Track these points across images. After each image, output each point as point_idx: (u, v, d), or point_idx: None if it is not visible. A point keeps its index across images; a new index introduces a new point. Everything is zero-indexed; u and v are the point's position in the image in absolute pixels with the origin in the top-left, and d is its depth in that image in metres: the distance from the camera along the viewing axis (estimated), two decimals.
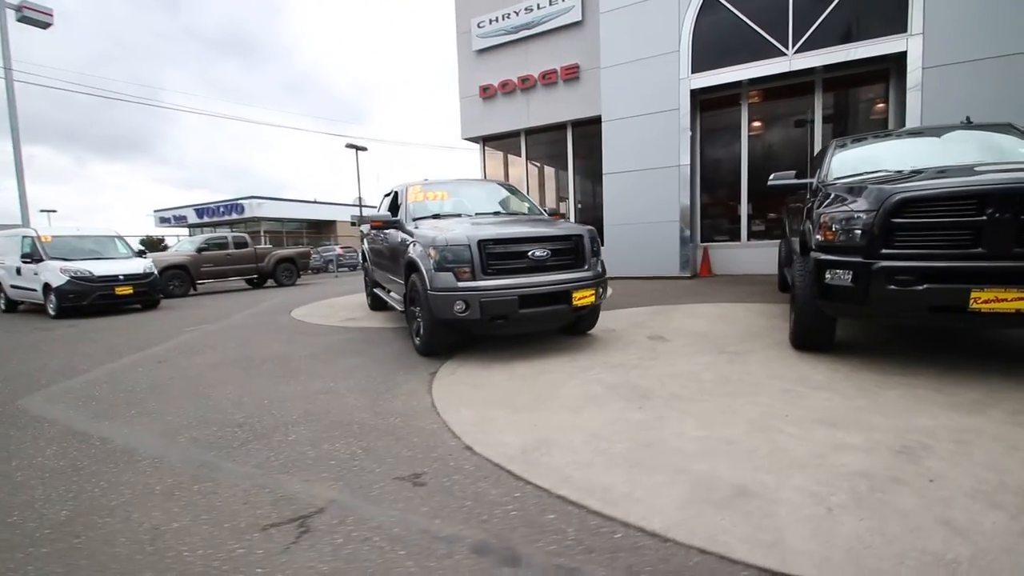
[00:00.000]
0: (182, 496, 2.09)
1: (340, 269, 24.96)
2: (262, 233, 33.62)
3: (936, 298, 3.03)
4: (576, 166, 11.31)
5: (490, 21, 11.45)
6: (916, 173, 3.74)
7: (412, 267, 4.59)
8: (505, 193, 5.95)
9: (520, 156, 12.16)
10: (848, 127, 9.05)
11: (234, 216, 34.94)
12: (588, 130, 11.22)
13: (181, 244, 13.23)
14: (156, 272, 9.45)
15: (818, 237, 3.67)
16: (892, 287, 3.15)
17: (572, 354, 4.28)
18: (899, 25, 7.53)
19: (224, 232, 14.82)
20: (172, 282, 11.06)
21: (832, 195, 3.88)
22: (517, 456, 2.32)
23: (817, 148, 8.98)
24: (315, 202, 39.65)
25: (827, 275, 3.49)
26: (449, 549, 1.63)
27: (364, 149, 28.38)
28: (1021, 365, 3.33)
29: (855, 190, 3.64)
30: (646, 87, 9.39)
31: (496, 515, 1.83)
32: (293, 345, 5.26)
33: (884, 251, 3.19)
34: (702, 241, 9.97)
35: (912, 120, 7.50)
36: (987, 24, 6.93)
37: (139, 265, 9.13)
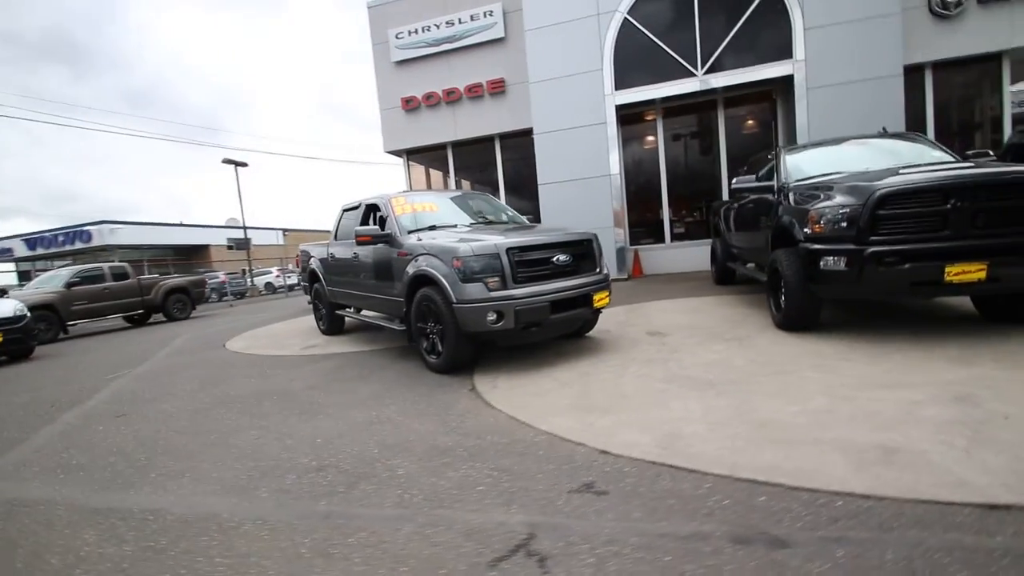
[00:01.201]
0: (352, 553, 1.79)
1: (225, 298, 22.45)
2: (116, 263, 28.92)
3: (917, 274, 3.64)
4: (507, 177, 11.50)
5: (409, 33, 11.26)
6: (868, 173, 4.47)
7: (421, 281, 4.37)
8: (485, 203, 5.90)
9: (445, 169, 12.06)
10: (741, 140, 10.38)
11: (79, 245, 29.70)
12: (517, 142, 11.51)
13: (42, 280, 10.93)
14: (28, 314, 7.72)
15: (807, 230, 4.19)
16: (881, 268, 3.71)
17: (591, 356, 4.37)
18: (787, 53, 8.88)
19: (95, 263, 12.55)
20: (38, 325, 9.09)
21: (808, 194, 4.46)
22: (663, 451, 2.35)
23: (723, 158, 10.18)
24: (182, 225, 35.18)
25: (822, 262, 4.01)
26: (710, 546, 1.63)
27: (244, 165, 25.91)
28: (954, 326, 4.11)
29: (833, 188, 4.23)
30: (575, 102, 9.91)
31: (712, 507, 1.85)
32: (272, 380, 4.67)
33: (872, 238, 3.76)
34: (631, 244, 10.71)
35: (802, 132, 8.86)
36: (854, 53, 8.47)
37: (7, 307, 7.39)
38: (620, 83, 9.74)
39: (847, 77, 8.57)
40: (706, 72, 9.32)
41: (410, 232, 4.84)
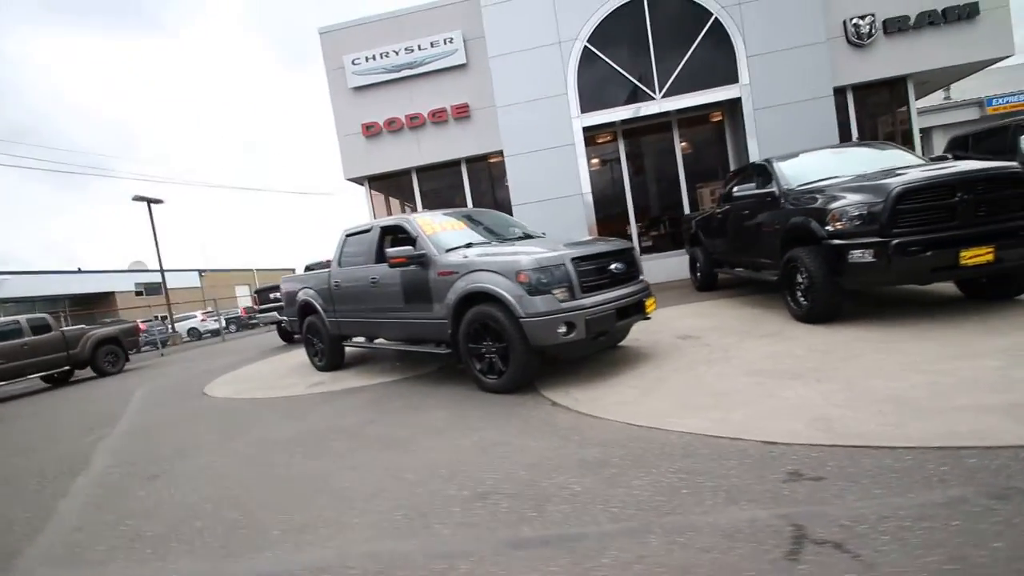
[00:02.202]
0: (621, 573, 1.64)
1: (144, 348, 20.18)
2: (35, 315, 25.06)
3: (938, 260, 4.08)
4: (475, 201, 11.48)
5: (367, 59, 11.06)
6: (867, 175, 4.98)
7: (473, 299, 4.23)
8: (498, 218, 5.85)
9: (410, 194, 11.82)
10: (696, 157, 11.16)
11: None
12: (484, 165, 11.58)
13: None
14: None
15: (829, 228, 4.57)
16: (905, 257, 4.12)
17: (645, 362, 4.41)
18: (733, 77, 9.76)
19: (6, 316, 10.80)
20: None
21: (818, 196, 4.87)
22: (828, 434, 2.41)
23: (681, 174, 10.87)
24: (80, 272, 31.36)
25: (850, 256, 4.37)
26: (978, 506, 1.69)
27: (159, 201, 23.79)
28: (947, 306, 4.63)
29: (843, 189, 4.66)
30: (543, 124, 10.19)
31: (940, 474, 1.92)
32: (309, 421, 4.24)
33: (895, 231, 4.18)
34: None
35: (752, 149, 9.71)
36: (791, 77, 9.47)
37: None
38: (585, 106, 10.18)
39: (787, 99, 9.56)
40: (664, 96, 9.99)
41: (448, 251, 4.67)
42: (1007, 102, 16.57)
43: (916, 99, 10.33)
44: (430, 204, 11.77)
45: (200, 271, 39.76)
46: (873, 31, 9.68)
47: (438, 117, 10.94)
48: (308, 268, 12.51)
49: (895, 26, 9.62)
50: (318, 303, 6.34)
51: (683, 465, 2.33)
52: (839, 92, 9.93)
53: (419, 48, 10.88)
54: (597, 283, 4.13)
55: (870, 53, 9.80)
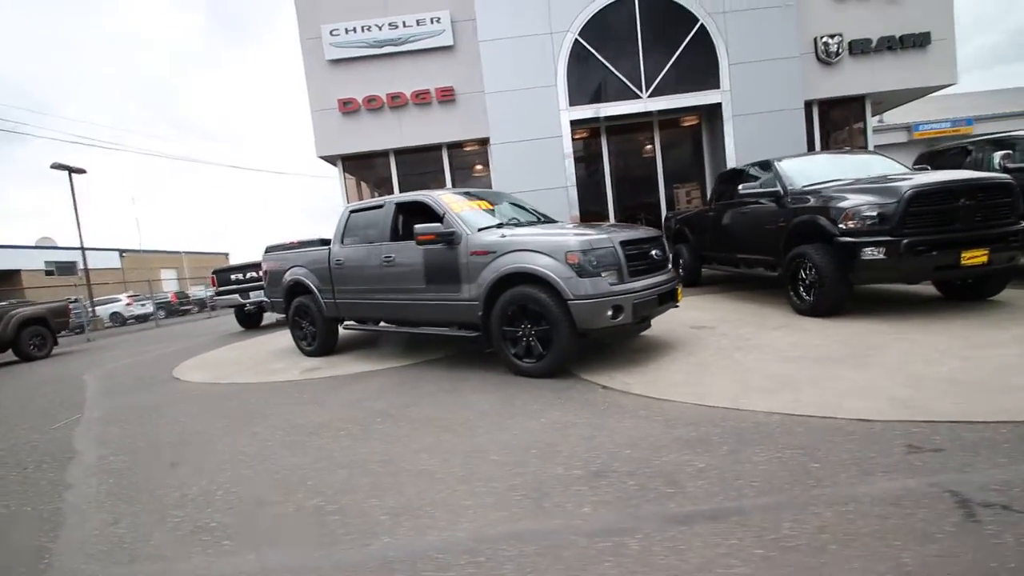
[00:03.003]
0: (822, 542, 1.61)
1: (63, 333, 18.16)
2: None
3: (942, 260, 4.42)
4: (456, 187, 11.20)
5: (346, 31, 10.47)
6: (864, 179, 5.31)
7: (512, 280, 4.08)
8: (516, 202, 5.74)
9: (385, 178, 11.36)
10: (674, 157, 11.50)
11: None
12: (467, 152, 11.33)
13: None
14: None
15: (842, 226, 4.83)
16: (914, 256, 4.44)
17: (675, 349, 4.46)
18: (715, 83, 10.13)
19: None
20: None
21: (828, 197, 5.13)
22: (914, 411, 2.52)
23: (660, 173, 11.18)
24: None
25: (863, 253, 4.64)
26: None
27: (81, 171, 21.47)
28: (934, 304, 5.03)
29: (854, 191, 4.94)
30: (531, 114, 10.11)
31: None
32: (330, 408, 3.94)
33: (905, 231, 4.48)
34: None
35: (730, 153, 10.15)
36: (768, 87, 9.97)
37: None
38: (573, 99, 10.20)
39: (763, 107, 10.06)
40: (650, 95, 10.21)
41: (480, 229, 4.50)
42: (932, 128, 18.45)
43: (872, 115, 11.18)
44: (409, 189, 11.35)
45: (121, 251, 36.30)
46: (840, 50, 10.38)
47: (422, 99, 10.57)
48: (269, 250, 11.75)
49: (859, 48, 10.38)
50: (312, 283, 5.92)
51: (791, 442, 2.35)
52: (806, 105, 10.57)
53: (404, 25, 10.45)
54: (640, 268, 4.12)
55: (836, 71, 10.51)
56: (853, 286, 5.00)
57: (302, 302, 6.12)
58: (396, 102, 10.60)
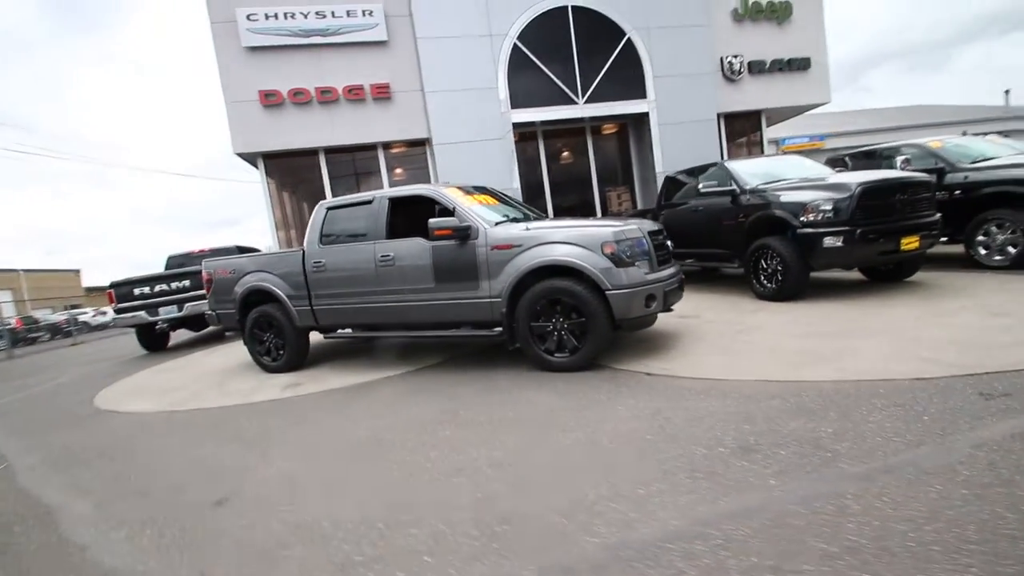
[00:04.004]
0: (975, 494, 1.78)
1: None
2: None
3: (886, 246, 5.17)
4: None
5: (266, 16, 9.52)
6: (809, 178, 6.04)
7: (541, 273, 4.01)
8: (508, 197, 5.63)
9: (313, 178, 10.51)
10: (604, 161, 12.10)
11: None
12: (404, 152, 10.88)
13: None
14: None
15: (803, 219, 5.44)
16: (865, 243, 5.14)
17: (679, 337, 4.69)
18: (642, 94, 10.87)
19: None
20: None
21: (786, 193, 5.75)
22: (955, 367, 2.91)
23: (594, 176, 11.69)
24: None
25: (824, 242, 5.26)
26: None
27: None
28: (867, 285, 5.89)
29: (807, 188, 5.60)
30: (475, 115, 10.03)
31: None
32: (363, 418, 3.55)
33: (857, 222, 5.17)
34: None
35: (657, 158, 10.93)
36: (687, 100, 10.92)
37: None
38: (514, 103, 10.30)
39: (684, 118, 11.00)
40: (586, 102, 10.65)
41: (496, 224, 4.35)
42: (796, 142, 21.55)
43: (767, 127, 12.74)
44: (342, 191, 10.62)
45: None
46: (742, 69, 11.71)
47: (355, 95, 9.96)
48: (172, 258, 10.31)
49: (756, 68, 11.79)
50: (280, 290, 5.27)
51: (883, 403, 2.59)
52: (716, 117, 11.75)
53: (333, 15, 9.78)
54: (663, 258, 4.28)
55: (738, 88, 11.83)
56: (812, 272, 5.65)
57: (265, 312, 5.42)
58: (327, 97, 9.86)
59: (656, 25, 10.76)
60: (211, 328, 10.34)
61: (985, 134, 9.78)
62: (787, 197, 5.71)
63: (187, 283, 8.43)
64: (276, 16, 9.56)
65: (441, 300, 4.47)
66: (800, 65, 11.97)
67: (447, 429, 3.07)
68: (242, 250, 10.53)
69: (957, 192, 6.15)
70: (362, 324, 5.02)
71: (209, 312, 5.95)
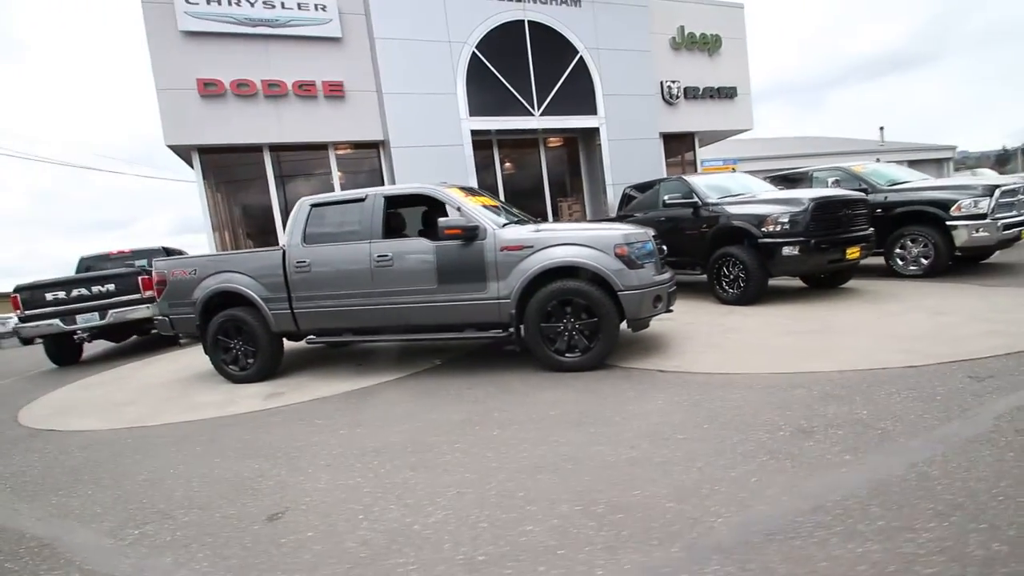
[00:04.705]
0: None
1: None
2: None
3: (834, 255, 5.83)
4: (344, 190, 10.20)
5: (207, 1, 8.79)
6: (762, 195, 6.65)
7: (554, 274, 4.06)
8: (497, 199, 5.63)
9: (257, 176, 9.80)
10: (555, 172, 12.43)
11: None
12: (357, 153, 10.46)
13: None
14: None
15: (764, 230, 5.97)
16: (818, 253, 5.76)
17: (667, 338, 4.96)
18: (593, 110, 11.35)
19: None
20: None
21: (745, 207, 6.29)
22: (934, 356, 3.34)
23: (546, 185, 11.97)
24: None
25: (783, 251, 5.82)
26: None
27: None
28: (808, 291, 6.59)
29: (766, 203, 6.17)
30: (433, 120, 9.90)
31: None
32: (374, 428, 3.37)
33: (812, 233, 5.77)
34: None
35: (607, 171, 11.45)
36: (629, 118, 11.56)
37: None
38: (473, 110, 10.32)
39: (631, 135, 11.63)
40: (541, 114, 10.92)
41: (503, 225, 4.34)
42: (712, 164, 23.53)
43: (700, 147, 13.80)
44: (290, 191, 9.99)
45: None
46: (678, 94, 12.62)
47: (306, 91, 9.45)
48: (85, 260, 9.13)
49: (691, 93, 12.77)
50: (255, 292, 4.86)
51: (896, 387, 2.91)
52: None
53: (283, 6, 9.24)
54: (665, 261, 4.49)
55: (676, 111, 12.72)
56: (770, 278, 6.20)
57: (232, 316, 4.95)
58: (274, 91, 9.26)
59: (605, 47, 11.31)
60: (134, 338, 9.26)
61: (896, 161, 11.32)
62: (747, 210, 6.25)
63: (111, 287, 7.47)
64: (219, 1, 8.86)
65: (445, 301, 4.36)
66: (728, 93, 13.13)
67: (491, 429, 3.00)
68: (168, 252, 9.57)
69: (878, 210, 7.04)
70: (352, 328, 4.75)
71: (160, 317, 5.32)
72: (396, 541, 1.91)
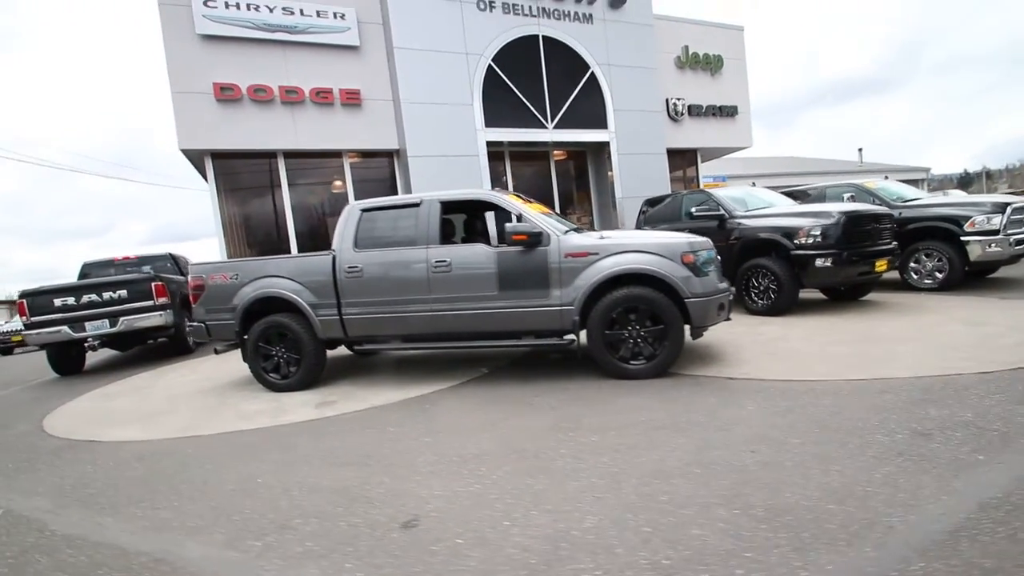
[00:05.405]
0: None
1: None
2: None
3: (864, 267, 5.99)
4: (359, 198, 10.08)
5: (226, 4, 8.66)
6: (789, 209, 6.82)
7: (620, 281, 4.06)
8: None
9: (265, 183, 9.63)
10: (565, 184, 12.54)
11: None
12: (370, 162, 10.39)
13: None
14: None
15: (797, 242, 6.10)
16: (849, 265, 5.91)
17: (716, 347, 5.00)
18: (604, 124, 11.53)
19: None
20: None
21: (775, 220, 6.44)
22: (996, 363, 3.43)
23: (556, 196, 12.05)
24: None
25: (817, 262, 5.95)
26: None
27: None
28: (833, 303, 6.75)
29: (796, 215, 6.33)
30: (450, 130, 9.92)
31: None
32: (467, 434, 3.30)
33: (844, 245, 5.93)
34: None
35: (617, 184, 11.60)
36: (642, 133, 11.78)
37: None
38: (488, 121, 10.37)
39: (640, 149, 11.84)
40: (555, 127, 11.04)
41: (565, 232, 4.34)
42: (706, 180, 24.13)
43: (702, 162, 14.11)
44: (301, 198, 9.83)
45: None
46: (683, 111, 12.92)
47: (323, 98, 9.37)
48: (88, 267, 8.80)
49: (696, 111, 13.09)
50: (302, 299, 4.73)
51: (979, 392, 2.98)
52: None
53: (301, 13, 9.20)
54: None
55: (681, 127, 13.02)
56: (801, 289, 6.33)
57: (276, 323, 4.82)
58: (291, 97, 9.17)
59: (615, 63, 11.54)
60: (137, 347, 8.93)
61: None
62: (776, 223, 6.40)
63: (123, 293, 7.18)
64: (237, 6, 8.77)
65: (505, 308, 4.32)
66: (729, 112, 13.51)
67: (588, 435, 2.96)
68: (175, 259, 9.32)
69: (893, 226, 7.28)
70: (404, 334, 4.66)
71: (194, 323, 5.13)
72: (561, 547, 1.85)
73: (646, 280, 4.05)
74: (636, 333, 4.10)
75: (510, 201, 4.50)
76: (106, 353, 9.06)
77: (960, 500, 1.89)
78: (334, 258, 4.70)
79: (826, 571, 1.58)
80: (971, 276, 7.35)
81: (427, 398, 4.23)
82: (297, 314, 4.78)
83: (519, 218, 4.36)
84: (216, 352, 5.27)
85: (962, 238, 6.67)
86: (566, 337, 4.32)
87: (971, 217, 6.71)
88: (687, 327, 4.10)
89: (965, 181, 61.66)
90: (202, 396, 5.07)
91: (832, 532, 1.77)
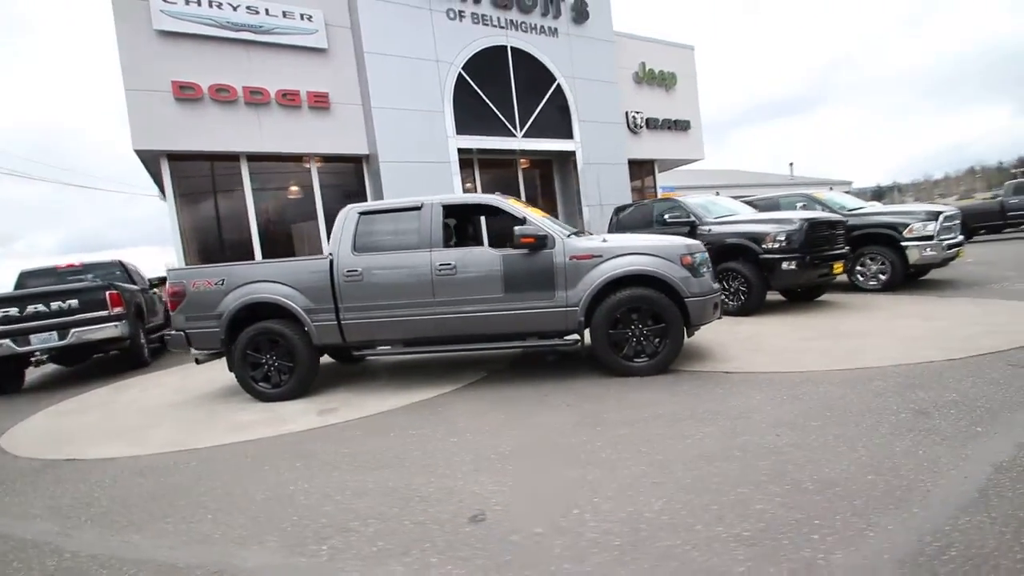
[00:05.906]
0: None
1: None
2: None
3: (823, 270, 6.52)
4: (326, 204, 9.82)
5: (187, 1, 8.27)
6: (755, 215, 7.32)
7: (623, 282, 4.24)
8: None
9: (230, 186, 9.19)
10: (534, 192, 12.75)
11: None
12: (339, 167, 10.14)
13: None
14: None
15: (765, 246, 6.56)
16: (811, 268, 6.42)
17: (704, 345, 5.30)
18: (570, 134, 11.87)
19: None
20: None
21: (743, 226, 6.89)
22: (960, 350, 3.86)
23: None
24: None
25: (783, 265, 6.42)
26: None
27: None
28: (792, 303, 7.30)
29: (761, 221, 6.80)
30: (421, 137, 9.88)
31: None
32: (499, 435, 3.33)
33: (806, 249, 6.43)
34: None
35: (583, 192, 11.94)
36: (604, 144, 12.21)
37: None
38: (459, 128, 10.42)
39: (603, 159, 12.26)
40: (524, 135, 11.24)
41: (569, 235, 4.47)
42: (665, 190, 25.26)
43: (659, 172, 14.76)
44: (265, 203, 9.44)
45: None
46: (641, 124, 13.52)
47: (290, 100, 9.09)
48: (25, 276, 8.06)
49: (652, 124, 13.73)
50: (296, 304, 4.58)
51: (955, 376, 3.35)
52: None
53: (267, 12, 8.91)
54: None
55: (639, 139, 13.60)
56: (768, 290, 6.79)
57: (266, 329, 4.63)
58: (256, 98, 8.83)
59: (580, 76, 11.93)
60: (86, 362, 8.23)
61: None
62: (744, 228, 6.85)
63: (73, 303, 6.63)
64: (199, 2, 8.38)
65: (510, 310, 4.38)
66: (683, 126, 14.27)
67: (616, 428, 3.07)
68: (124, 266, 8.70)
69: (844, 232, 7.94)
70: (406, 338, 4.60)
71: (174, 332, 4.83)
72: (640, 528, 1.94)
73: (647, 281, 4.25)
74: (639, 332, 4.28)
75: (514, 205, 4.58)
76: (47, 369, 8.29)
77: (976, 465, 2.14)
78: (331, 262, 4.59)
79: (888, 530, 1.76)
80: (909, 278, 8.15)
81: (433, 402, 4.20)
82: (290, 320, 4.62)
83: (524, 221, 4.45)
84: (197, 362, 4.98)
85: (902, 243, 7.38)
86: (569, 337, 4.43)
87: (909, 224, 7.44)
88: (690, 325, 4.31)
89: (878, 194, 67.56)
90: (182, 409, 4.77)
91: (879, 498, 1.97)
